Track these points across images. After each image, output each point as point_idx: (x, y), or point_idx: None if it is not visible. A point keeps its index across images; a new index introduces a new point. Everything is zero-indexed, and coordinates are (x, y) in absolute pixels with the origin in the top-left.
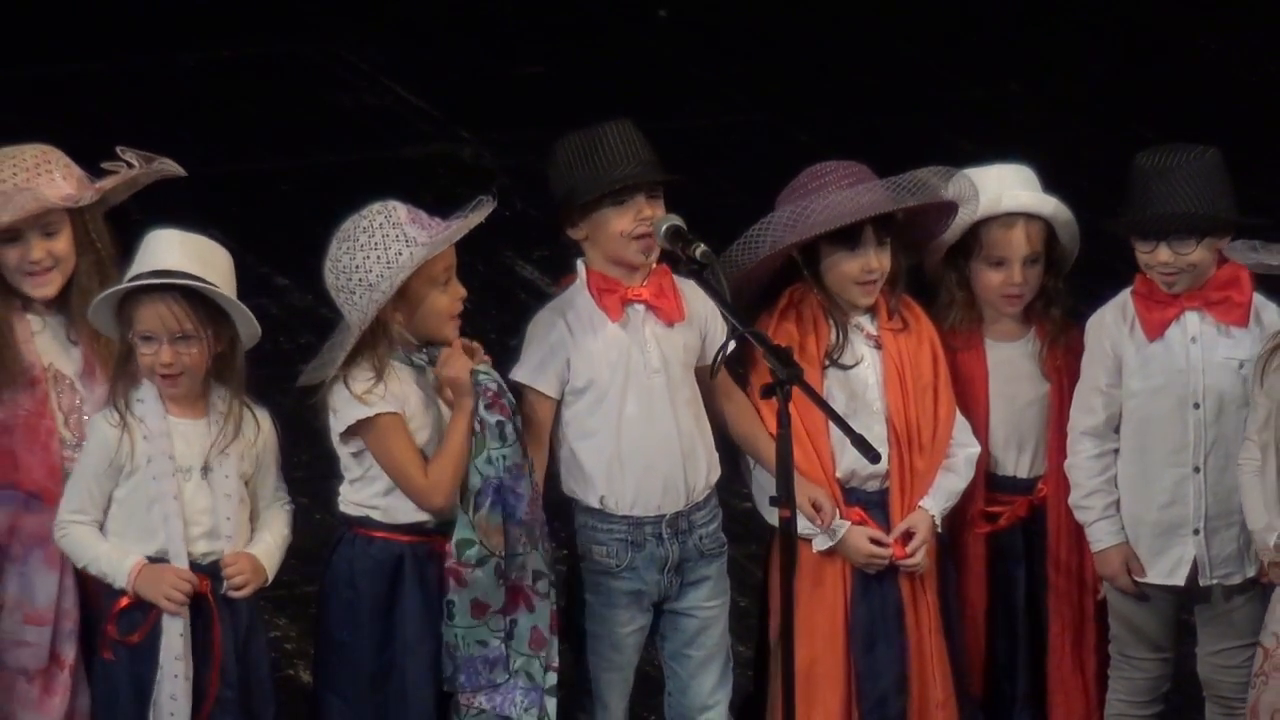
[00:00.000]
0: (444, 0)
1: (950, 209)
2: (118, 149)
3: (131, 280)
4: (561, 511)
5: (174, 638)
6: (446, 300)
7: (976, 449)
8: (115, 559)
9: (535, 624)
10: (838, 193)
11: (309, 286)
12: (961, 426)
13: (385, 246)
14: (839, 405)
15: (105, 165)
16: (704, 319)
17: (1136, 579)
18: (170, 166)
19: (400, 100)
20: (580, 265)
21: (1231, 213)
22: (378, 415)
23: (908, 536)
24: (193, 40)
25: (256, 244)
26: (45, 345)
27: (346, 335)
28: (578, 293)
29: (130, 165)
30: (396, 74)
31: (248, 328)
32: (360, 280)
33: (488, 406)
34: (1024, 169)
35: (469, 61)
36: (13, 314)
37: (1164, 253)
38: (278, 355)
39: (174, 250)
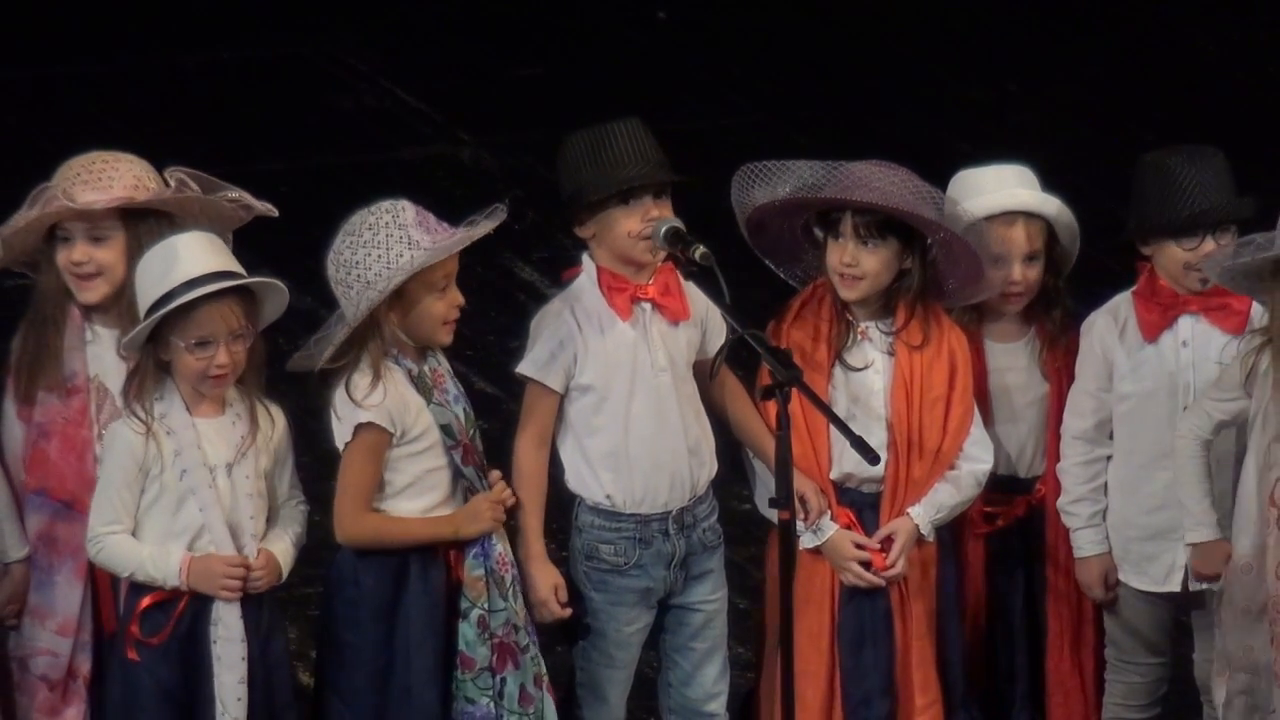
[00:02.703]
0: (443, 2)
1: (971, 257)
2: (169, 170)
3: (177, 290)
4: (564, 510)
5: (232, 624)
6: (442, 306)
7: (986, 466)
8: (161, 560)
9: (522, 681)
10: (842, 175)
11: (309, 288)
12: (977, 441)
13: (387, 246)
14: (841, 407)
15: (173, 178)
16: (704, 314)
17: (1130, 584)
18: (243, 197)
19: (399, 102)
20: (587, 259)
21: (1248, 209)
22: (369, 424)
23: (888, 542)
24: (193, 42)
25: (255, 245)
26: (95, 356)
27: (339, 328)
28: (585, 288)
29: (186, 187)
30: (396, 76)
31: (276, 308)
32: (358, 276)
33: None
34: (1024, 169)
35: (468, 63)
36: (66, 317)
37: (1209, 244)
38: (278, 357)
39: (206, 252)
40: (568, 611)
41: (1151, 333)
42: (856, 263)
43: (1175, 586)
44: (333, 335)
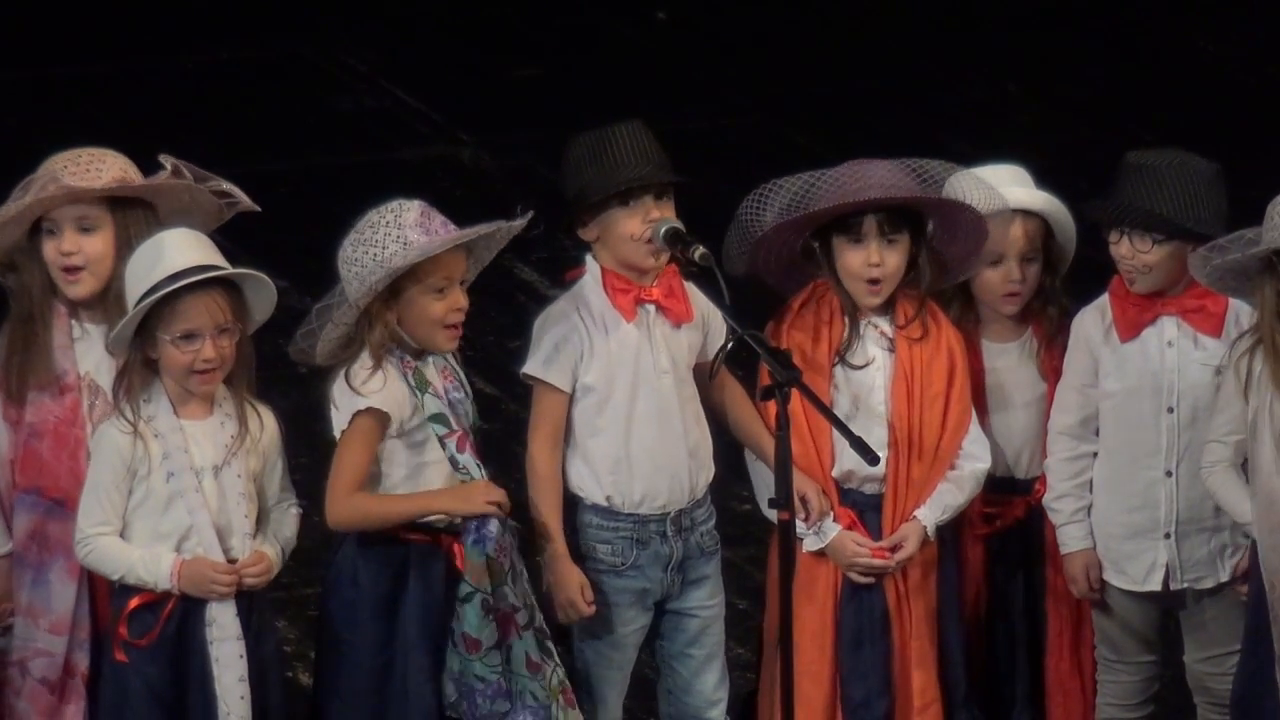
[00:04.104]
0: (443, 2)
1: (977, 221)
2: (161, 156)
3: (162, 284)
4: (566, 509)
5: (227, 623)
6: (440, 308)
7: (985, 464)
8: (151, 563)
9: (526, 650)
10: (843, 178)
11: (308, 289)
12: (976, 440)
13: (382, 245)
14: (842, 406)
15: (167, 162)
16: (706, 317)
17: (1112, 584)
18: (231, 190)
19: (399, 102)
20: (590, 260)
21: (1200, 225)
22: (367, 409)
23: (896, 546)
24: (192, 42)
25: (255, 246)
26: (85, 353)
27: (338, 317)
28: (590, 289)
29: (180, 173)
30: (395, 76)
31: (265, 307)
32: (355, 273)
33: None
34: (1018, 168)
35: (468, 64)
36: (53, 315)
37: (1125, 246)
38: (277, 357)
39: (192, 247)
40: (594, 609)
41: (1127, 332)
42: (882, 261)
43: (1155, 586)
44: (331, 326)
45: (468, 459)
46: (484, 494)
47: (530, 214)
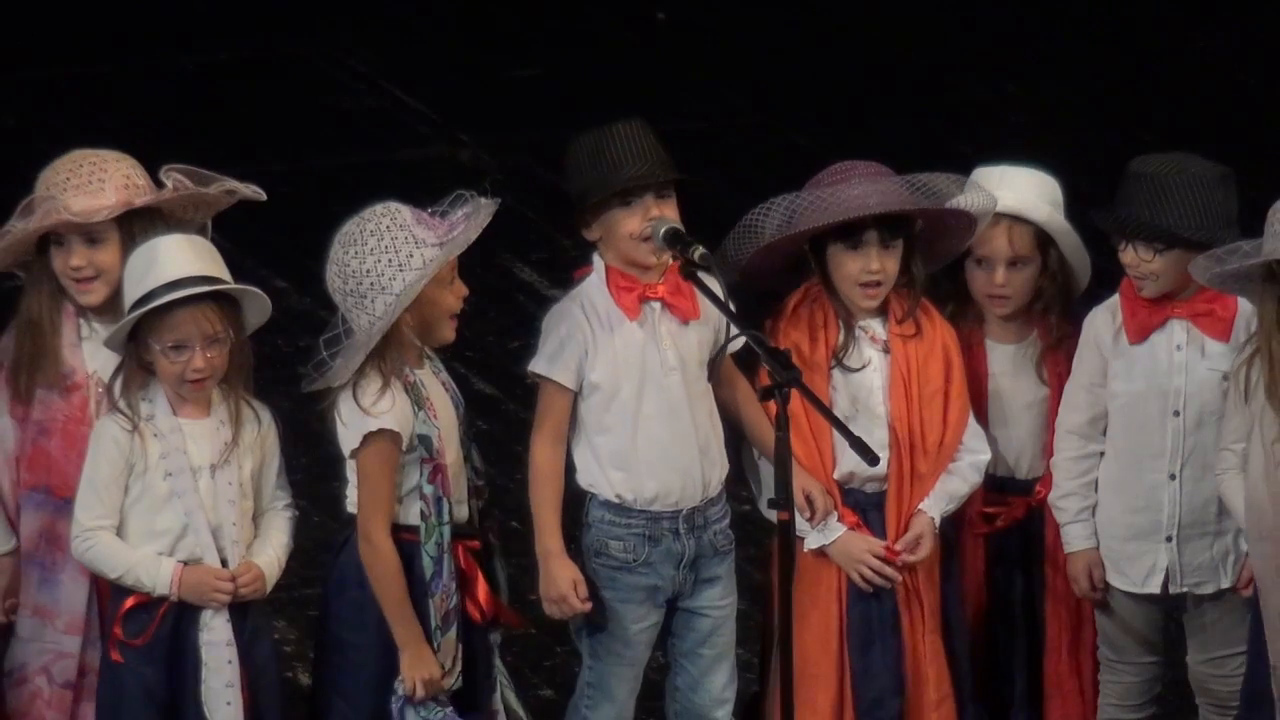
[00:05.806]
0: (442, 3)
1: (969, 222)
2: (164, 169)
3: (154, 292)
4: (574, 506)
5: (219, 628)
6: (451, 299)
7: (986, 456)
8: (151, 567)
9: None
10: (844, 190)
11: (308, 289)
12: (974, 433)
13: (396, 249)
14: (842, 408)
15: (169, 178)
16: (718, 315)
17: (1112, 585)
18: (234, 186)
19: (398, 103)
20: (597, 258)
21: (1202, 233)
22: (380, 431)
23: (915, 543)
24: (191, 43)
25: (255, 246)
26: (93, 353)
27: (355, 342)
28: (595, 288)
29: (183, 186)
30: (394, 76)
31: (260, 314)
32: (373, 284)
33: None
34: (1034, 173)
35: (467, 64)
36: (61, 316)
37: (1130, 254)
38: (276, 358)
39: (187, 256)
40: (588, 606)
41: (1136, 335)
42: (882, 267)
43: (1155, 589)
44: (350, 347)
45: (431, 491)
46: (432, 676)
47: (488, 189)
